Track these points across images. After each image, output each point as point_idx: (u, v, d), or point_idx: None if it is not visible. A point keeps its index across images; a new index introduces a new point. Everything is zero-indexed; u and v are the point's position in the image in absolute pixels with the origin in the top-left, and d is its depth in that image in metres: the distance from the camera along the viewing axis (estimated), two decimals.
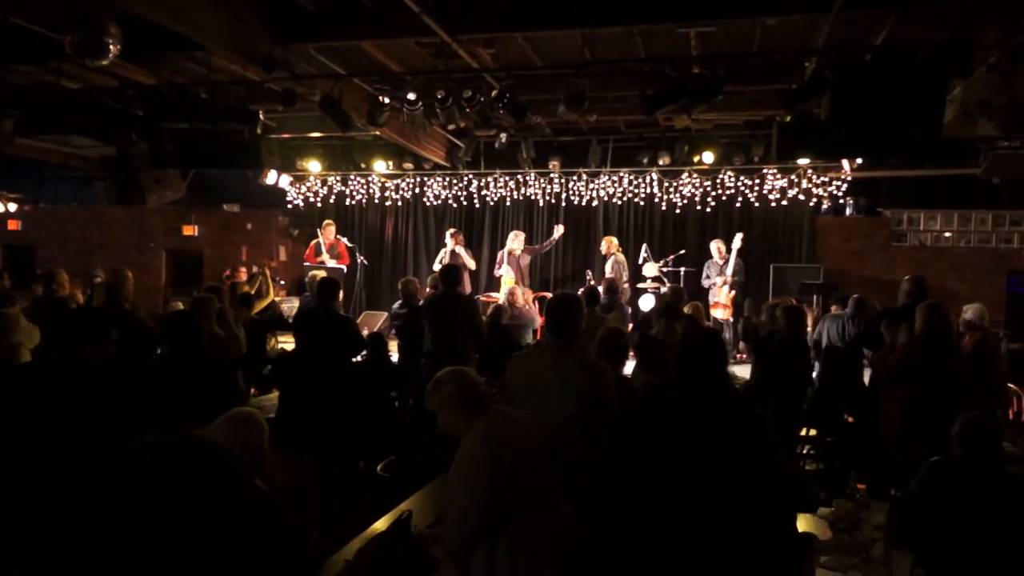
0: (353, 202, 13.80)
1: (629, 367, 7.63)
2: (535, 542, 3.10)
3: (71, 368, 3.52)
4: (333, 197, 13.84)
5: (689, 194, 12.13)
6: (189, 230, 14.28)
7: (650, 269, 11.21)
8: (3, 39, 7.06)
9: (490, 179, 12.96)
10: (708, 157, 11.36)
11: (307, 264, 12.10)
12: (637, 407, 3.73)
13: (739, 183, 11.91)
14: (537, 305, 10.13)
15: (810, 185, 11.75)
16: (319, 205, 13.94)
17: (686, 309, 7.71)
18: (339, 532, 3.62)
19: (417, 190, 13.47)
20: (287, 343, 8.89)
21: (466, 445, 3.10)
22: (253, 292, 8.77)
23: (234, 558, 1.67)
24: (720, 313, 10.65)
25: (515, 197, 13.04)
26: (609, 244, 11.37)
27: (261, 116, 8.08)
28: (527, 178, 12.79)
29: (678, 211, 12.32)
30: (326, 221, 12.45)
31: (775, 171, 11.73)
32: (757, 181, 11.87)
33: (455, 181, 13.19)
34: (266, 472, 3.20)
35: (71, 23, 5.82)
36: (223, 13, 6.60)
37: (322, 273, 9.33)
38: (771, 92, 8.34)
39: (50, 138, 11.02)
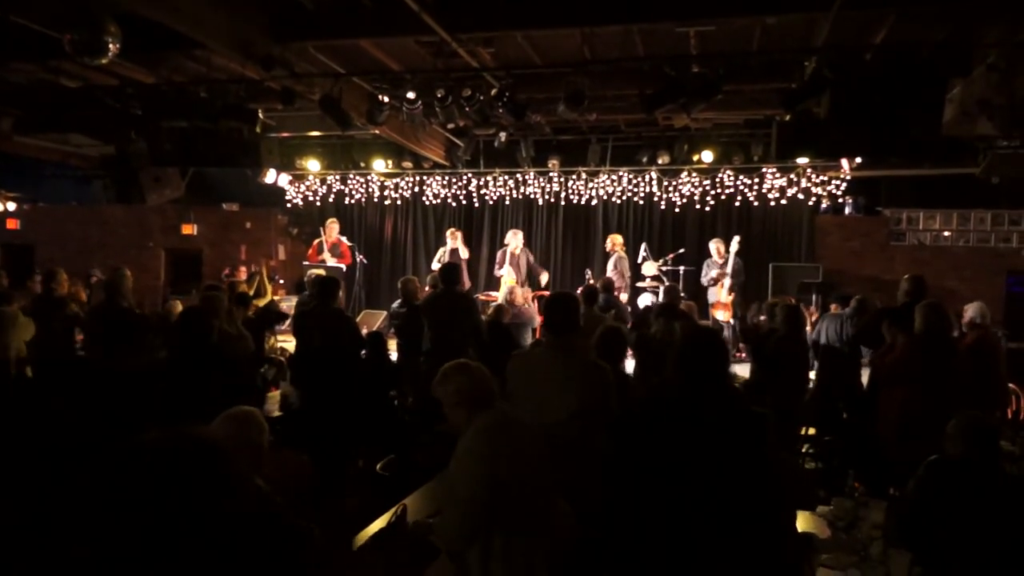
0: (352, 201, 13.80)
1: (629, 366, 7.69)
2: (531, 540, 3.11)
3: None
4: (332, 196, 13.84)
5: (688, 193, 12.14)
6: (188, 229, 14.28)
7: (649, 268, 11.21)
8: (2, 37, 7.06)
9: (489, 178, 12.97)
10: (707, 156, 11.36)
11: (306, 263, 12.11)
12: (636, 406, 3.73)
13: (738, 182, 11.91)
14: (536, 304, 10.14)
15: (809, 184, 11.75)
16: (318, 204, 13.94)
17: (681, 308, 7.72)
18: (339, 530, 3.63)
19: (416, 189, 13.47)
20: (286, 342, 8.91)
21: (465, 440, 3.13)
22: (252, 292, 8.78)
23: (233, 555, 1.68)
24: (721, 314, 10.65)
25: (514, 196, 13.05)
26: (614, 243, 11.39)
27: (260, 115, 8.08)
28: (526, 177, 12.80)
29: (677, 210, 12.33)
30: (330, 220, 12.43)
31: (774, 170, 11.74)
32: (756, 180, 11.88)
33: (454, 180, 13.19)
34: (266, 470, 3.21)
35: (70, 21, 5.82)
36: (222, 11, 6.61)
37: (321, 272, 9.32)
38: (770, 91, 8.35)
39: (49, 137, 11.02)
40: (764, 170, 11.76)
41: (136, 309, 7.41)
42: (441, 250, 11.82)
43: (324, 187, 13.77)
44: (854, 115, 6.52)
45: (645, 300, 10.75)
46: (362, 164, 12.89)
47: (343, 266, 11.75)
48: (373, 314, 11.62)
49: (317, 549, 3.03)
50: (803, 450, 6.14)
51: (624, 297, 11.05)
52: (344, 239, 12.28)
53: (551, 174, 12.62)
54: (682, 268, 11.40)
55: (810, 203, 11.97)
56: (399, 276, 10.62)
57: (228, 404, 3.21)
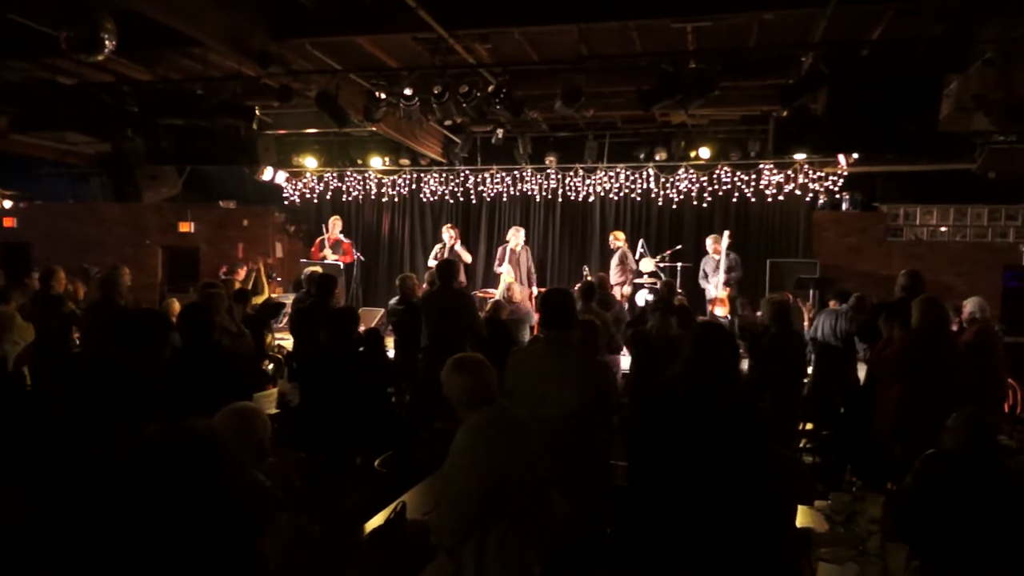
0: (349, 198, 13.79)
1: (624, 362, 7.70)
2: (526, 536, 3.13)
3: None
4: (330, 193, 13.81)
5: (686, 189, 12.14)
6: (185, 227, 14.23)
7: (647, 264, 11.23)
8: None
9: (487, 175, 12.96)
10: (704, 152, 11.36)
11: (304, 261, 12.11)
12: (647, 401, 3.75)
13: (735, 178, 11.92)
14: (533, 302, 10.16)
15: (806, 180, 11.75)
16: (315, 201, 13.93)
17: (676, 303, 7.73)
18: (338, 527, 3.64)
19: (414, 186, 13.46)
20: (283, 339, 8.91)
21: (461, 435, 3.15)
22: (249, 288, 8.79)
23: (234, 549, 1.69)
24: (719, 310, 10.66)
25: (512, 193, 13.04)
26: (616, 238, 11.43)
27: (257, 112, 8.08)
28: (524, 174, 12.79)
29: (675, 206, 12.33)
30: (332, 217, 12.41)
31: (771, 166, 11.74)
32: (753, 176, 11.88)
33: (451, 177, 13.18)
34: (267, 466, 3.22)
35: (67, 18, 5.81)
36: (219, 8, 6.60)
37: (318, 269, 9.32)
38: (768, 87, 8.35)
39: (45, 135, 10.99)
40: (761, 166, 11.76)
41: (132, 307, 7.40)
42: (437, 247, 11.81)
43: (321, 184, 13.75)
44: (851, 111, 6.53)
45: (643, 297, 10.77)
46: (359, 161, 12.87)
47: (341, 263, 11.75)
48: (370, 311, 11.61)
49: (316, 544, 3.04)
50: (801, 445, 6.16)
51: (627, 290, 11.08)
52: (343, 237, 12.29)
53: (548, 171, 12.62)
54: (679, 264, 11.42)
55: (807, 199, 11.97)
56: (396, 273, 10.64)
57: (230, 401, 3.22)
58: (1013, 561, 3.27)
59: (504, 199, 13.19)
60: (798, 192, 11.83)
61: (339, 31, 7.16)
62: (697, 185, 12.07)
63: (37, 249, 14.83)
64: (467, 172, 13.02)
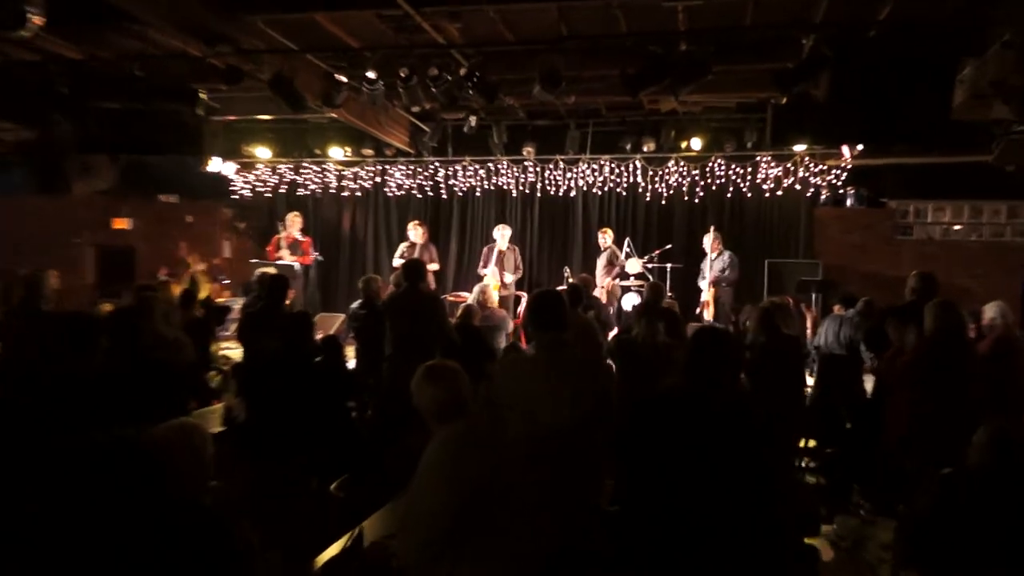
0: (306, 192, 13.70)
1: None
2: (504, 558, 3.11)
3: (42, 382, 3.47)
4: (284, 187, 13.72)
5: (676, 183, 12.17)
6: (120, 223, 14.03)
7: (633, 265, 11.20)
8: None
9: (458, 167, 12.93)
10: (696, 143, 11.41)
11: (254, 261, 11.99)
12: (642, 408, 3.75)
13: (730, 171, 11.96)
14: (514, 306, 10.12)
15: (807, 174, 11.82)
16: (268, 195, 13.82)
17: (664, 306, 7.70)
18: (290, 557, 3.58)
19: (378, 179, 13.41)
20: (230, 349, 8.82)
21: (431, 451, 3.16)
22: (182, 291, 8.68)
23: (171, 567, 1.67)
24: (706, 314, 10.68)
25: (486, 187, 13.02)
26: (604, 236, 11.47)
27: (203, 96, 8.00)
28: (499, 166, 12.77)
29: (664, 202, 12.35)
30: (291, 214, 12.26)
31: (769, 158, 11.79)
32: (750, 169, 11.92)
33: (420, 169, 13.14)
34: (212, 485, 3.16)
35: None
36: None
37: (271, 270, 9.22)
38: (765, 72, 8.32)
39: None
40: (758, 158, 11.81)
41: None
42: (402, 246, 11.75)
43: (275, 177, 13.65)
44: (856, 98, 6.57)
45: (631, 301, 10.73)
46: (317, 151, 12.81)
47: (297, 264, 11.65)
48: (329, 317, 11.53)
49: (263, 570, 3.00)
50: (802, 464, 6.16)
51: (618, 292, 11.08)
52: (300, 236, 12.14)
53: (526, 163, 12.61)
54: (669, 265, 11.41)
55: (808, 194, 12.03)
56: (358, 275, 10.54)
57: (161, 417, 3.16)
58: None
59: (477, 193, 13.16)
60: (798, 187, 11.89)
61: (295, 7, 7.11)
62: (688, 179, 12.10)
63: None
64: (437, 164, 12.99)
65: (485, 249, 11.71)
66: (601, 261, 11.39)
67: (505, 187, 12.98)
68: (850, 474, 5.52)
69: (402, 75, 7.45)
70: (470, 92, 7.57)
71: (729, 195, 12.14)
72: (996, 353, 5.92)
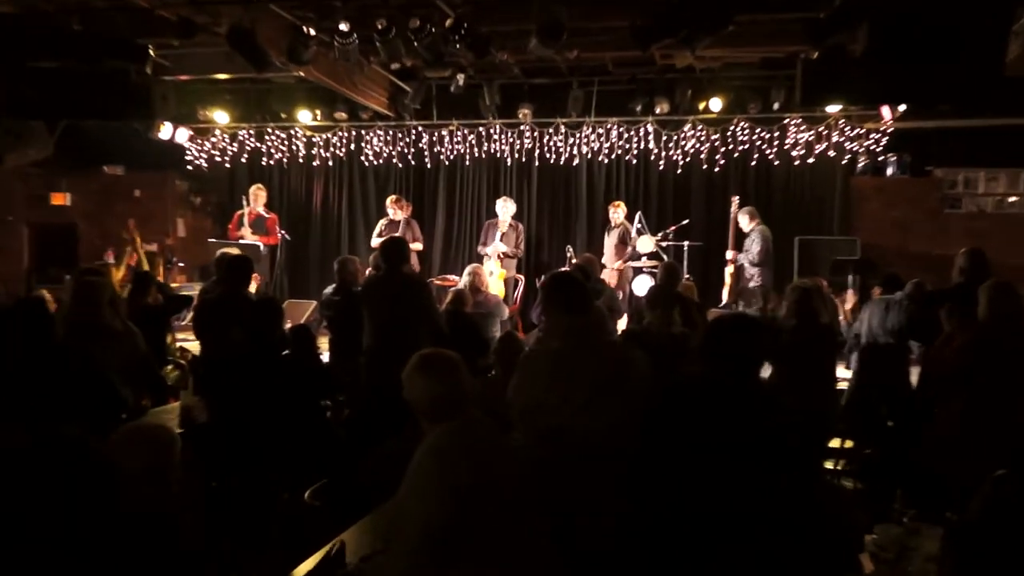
0: (272, 161, 13.69)
1: None
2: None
3: None
4: (245, 155, 13.71)
5: (693, 150, 12.19)
6: (59, 199, 14.04)
7: (646, 244, 11.19)
8: None
9: (444, 132, 12.93)
10: (716, 104, 11.44)
11: (212, 241, 11.99)
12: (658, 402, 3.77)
13: (755, 136, 11.98)
14: (513, 288, 10.13)
15: (842, 139, 11.85)
16: (228, 166, 13.81)
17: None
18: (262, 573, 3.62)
19: (352, 146, 13.40)
20: (188, 340, 8.83)
21: (421, 454, 3.16)
22: (136, 274, 8.69)
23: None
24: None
25: (476, 154, 13.01)
26: (615, 210, 11.55)
27: (152, 53, 7.97)
28: (491, 130, 12.77)
29: (680, 171, 12.39)
30: (254, 187, 12.25)
31: (799, 121, 11.81)
32: (777, 133, 11.95)
33: (400, 135, 13.14)
34: (175, 491, 3.20)
35: None
36: None
37: (233, 251, 9.23)
38: (794, 22, 8.37)
39: None
40: (786, 121, 11.83)
41: None
42: (380, 223, 11.76)
43: (235, 145, 13.63)
44: (897, 52, 6.55)
45: (643, 284, 10.73)
46: (283, 115, 12.83)
47: (261, 244, 11.65)
48: (299, 304, 11.54)
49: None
50: (837, 467, 6.20)
51: (630, 275, 11.10)
52: (265, 212, 12.12)
53: (522, 127, 12.61)
54: (686, 243, 11.43)
55: (844, 162, 12.08)
56: (332, 255, 10.56)
57: (94, 420, 3.21)
58: None
59: (466, 162, 13.17)
60: (832, 153, 11.93)
61: None
62: (707, 144, 12.12)
63: None
64: (420, 128, 13.00)
65: (486, 224, 11.73)
66: (611, 239, 11.39)
67: (498, 155, 12.97)
68: (892, 478, 5.56)
69: (379, 27, 7.45)
70: (457, 46, 7.57)
71: (754, 163, 12.16)
72: None
